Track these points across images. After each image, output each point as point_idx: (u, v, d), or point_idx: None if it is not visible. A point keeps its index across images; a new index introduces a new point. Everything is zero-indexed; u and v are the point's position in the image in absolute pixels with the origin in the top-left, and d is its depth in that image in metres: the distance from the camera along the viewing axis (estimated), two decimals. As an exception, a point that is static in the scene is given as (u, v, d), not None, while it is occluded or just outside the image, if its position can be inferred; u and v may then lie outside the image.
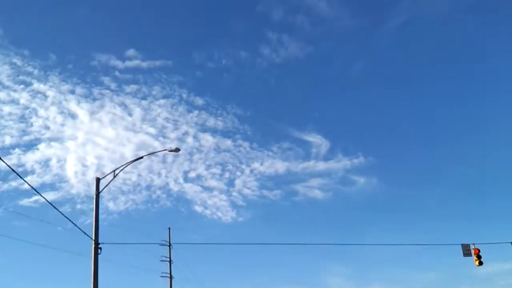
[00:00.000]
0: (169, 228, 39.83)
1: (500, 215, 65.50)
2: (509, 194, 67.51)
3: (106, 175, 22.30)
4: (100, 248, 20.93)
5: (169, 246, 39.20)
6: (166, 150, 23.47)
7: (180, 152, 23.39)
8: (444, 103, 76.61)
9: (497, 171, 69.75)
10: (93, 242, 20.73)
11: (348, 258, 61.10)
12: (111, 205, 63.10)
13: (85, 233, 20.26)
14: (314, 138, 69.93)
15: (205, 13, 77.46)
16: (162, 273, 38.52)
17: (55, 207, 18.34)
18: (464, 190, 71.02)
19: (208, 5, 78.87)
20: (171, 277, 38.60)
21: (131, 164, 22.83)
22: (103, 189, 22.04)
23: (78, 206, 61.61)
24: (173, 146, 23.40)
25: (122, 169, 22.40)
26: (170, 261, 38.92)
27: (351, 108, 79.80)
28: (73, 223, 19.42)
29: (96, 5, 76.39)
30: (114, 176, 22.23)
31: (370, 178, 70.64)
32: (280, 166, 68.96)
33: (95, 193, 21.76)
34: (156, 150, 23.90)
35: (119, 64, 67.54)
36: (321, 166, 69.45)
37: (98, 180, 22.06)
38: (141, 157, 23.22)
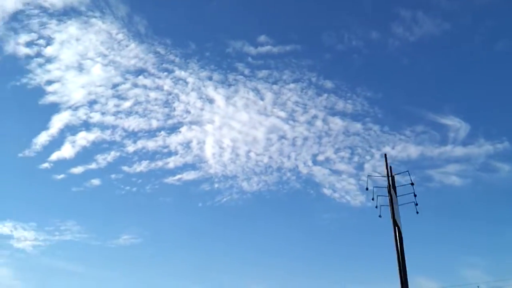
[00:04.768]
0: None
1: None
2: None
3: None
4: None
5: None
6: None
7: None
8: None
9: None
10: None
11: (486, 250, 51.37)
12: (245, 185, 62.90)
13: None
14: (452, 121, 63.11)
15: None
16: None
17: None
18: None
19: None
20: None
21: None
22: None
23: (216, 185, 61.57)
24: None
25: None
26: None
27: (494, 88, 67.97)
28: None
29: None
30: None
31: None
32: (413, 151, 62.02)
33: None
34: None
35: (251, 50, 67.09)
36: (459, 151, 61.79)
37: None
38: None
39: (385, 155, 22.43)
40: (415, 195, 21.86)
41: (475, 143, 65.24)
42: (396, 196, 21.57)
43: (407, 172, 22.37)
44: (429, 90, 74.47)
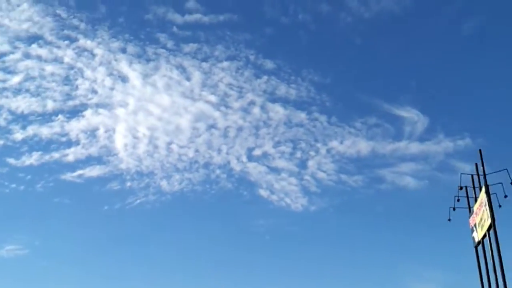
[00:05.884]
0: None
1: None
2: None
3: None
4: None
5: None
6: None
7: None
8: None
9: None
10: None
11: (444, 262, 47.67)
12: (164, 184, 54.61)
13: None
14: (409, 113, 56.45)
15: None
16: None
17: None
18: None
19: None
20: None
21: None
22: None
23: (127, 184, 53.98)
24: None
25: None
26: None
27: (458, 76, 59.59)
28: None
29: None
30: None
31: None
32: (363, 146, 56.51)
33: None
34: None
35: (177, 18, 57.40)
36: (415, 147, 55.89)
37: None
38: None
39: (480, 150, 19.91)
40: (505, 196, 19.62)
41: (433, 139, 57.65)
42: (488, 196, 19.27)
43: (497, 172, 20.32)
44: (384, 76, 65.90)
